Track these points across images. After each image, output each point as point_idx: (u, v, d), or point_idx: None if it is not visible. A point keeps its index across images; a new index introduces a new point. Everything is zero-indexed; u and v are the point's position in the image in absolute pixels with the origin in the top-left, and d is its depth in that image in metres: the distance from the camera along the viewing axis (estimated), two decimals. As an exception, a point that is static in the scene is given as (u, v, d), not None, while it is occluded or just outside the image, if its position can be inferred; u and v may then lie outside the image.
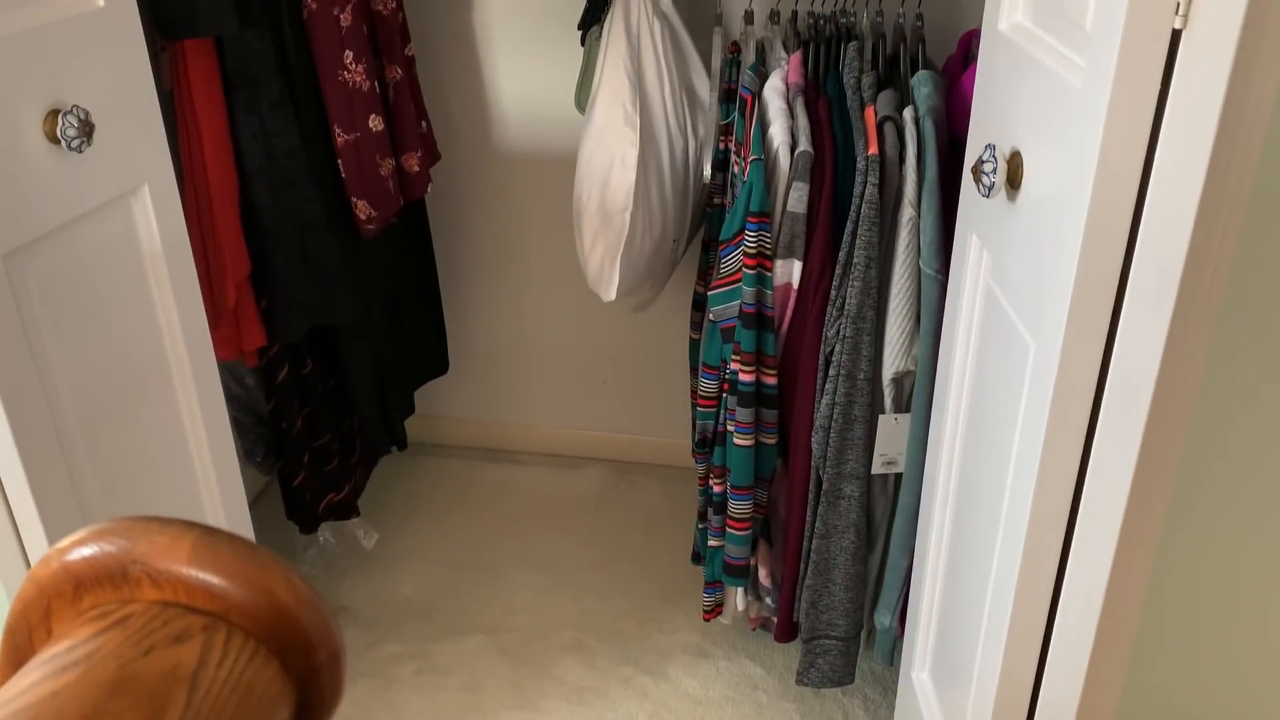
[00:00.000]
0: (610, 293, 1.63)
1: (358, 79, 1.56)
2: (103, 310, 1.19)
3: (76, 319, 1.15)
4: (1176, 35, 0.76)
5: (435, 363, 2.13)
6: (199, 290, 1.34)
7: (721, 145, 1.69)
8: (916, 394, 1.40)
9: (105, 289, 1.19)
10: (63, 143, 1.09)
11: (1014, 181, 0.98)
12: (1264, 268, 1.00)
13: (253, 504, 1.81)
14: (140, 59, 1.21)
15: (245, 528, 1.48)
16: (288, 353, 1.71)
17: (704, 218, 1.78)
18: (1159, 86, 0.78)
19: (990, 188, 0.99)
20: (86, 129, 1.11)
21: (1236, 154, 0.83)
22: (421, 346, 2.07)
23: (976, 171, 1.01)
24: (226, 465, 1.42)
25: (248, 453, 1.90)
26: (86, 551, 0.35)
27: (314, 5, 1.49)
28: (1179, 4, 0.75)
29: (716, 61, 1.65)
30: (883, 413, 1.43)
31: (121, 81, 1.18)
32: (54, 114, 1.08)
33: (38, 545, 1.11)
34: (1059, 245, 0.90)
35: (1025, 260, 0.99)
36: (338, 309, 1.66)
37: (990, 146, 1.01)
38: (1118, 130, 0.81)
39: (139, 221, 1.25)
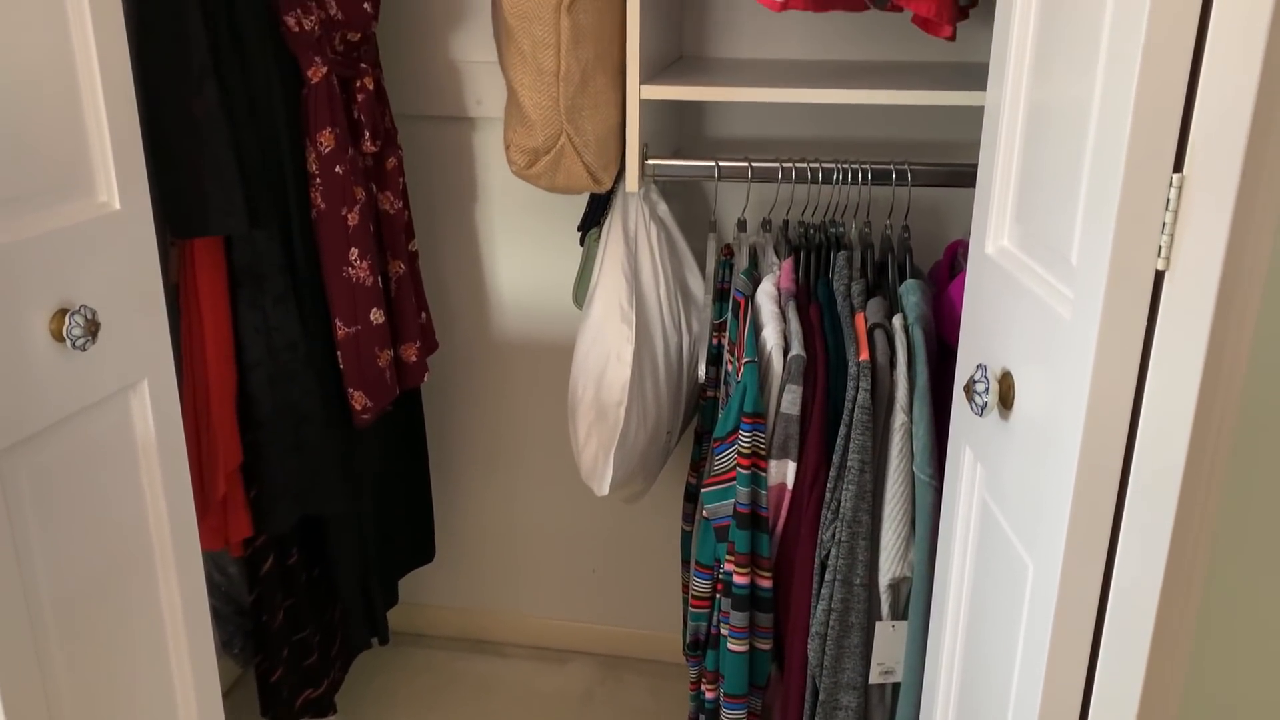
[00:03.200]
0: (604, 487, 1.63)
1: (361, 275, 1.60)
2: (91, 503, 1.18)
3: (64, 512, 1.14)
4: (1160, 275, 0.79)
5: (421, 551, 2.09)
6: (190, 483, 1.33)
7: (715, 341, 1.73)
8: (914, 601, 1.38)
9: (96, 482, 1.19)
10: (67, 341, 1.10)
11: (1006, 401, 0.99)
12: (1257, 483, 1.01)
13: (226, 695, 1.74)
14: (151, 259, 1.24)
15: (218, 724, 1.42)
16: (273, 543, 1.68)
17: (697, 409, 1.80)
18: (1145, 322, 0.81)
19: (983, 407, 1.01)
20: (92, 328, 1.13)
21: (1223, 382, 0.85)
22: (408, 534, 2.04)
23: (969, 390, 1.03)
24: (203, 658, 1.38)
25: (225, 643, 1.84)
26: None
27: (323, 205, 1.55)
28: (1160, 247, 0.79)
29: (711, 264, 1.70)
30: (880, 619, 1.40)
31: (131, 281, 1.21)
32: (62, 313, 1.10)
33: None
34: (1054, 466, 0.91)
35: (1020, 478, 0.99)
36: (328, 500, 1.65)
37: (981, 367, 1.03)
38: (1108, 361, 0.83)
39: (135, 415, 1.25)
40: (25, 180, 1.06)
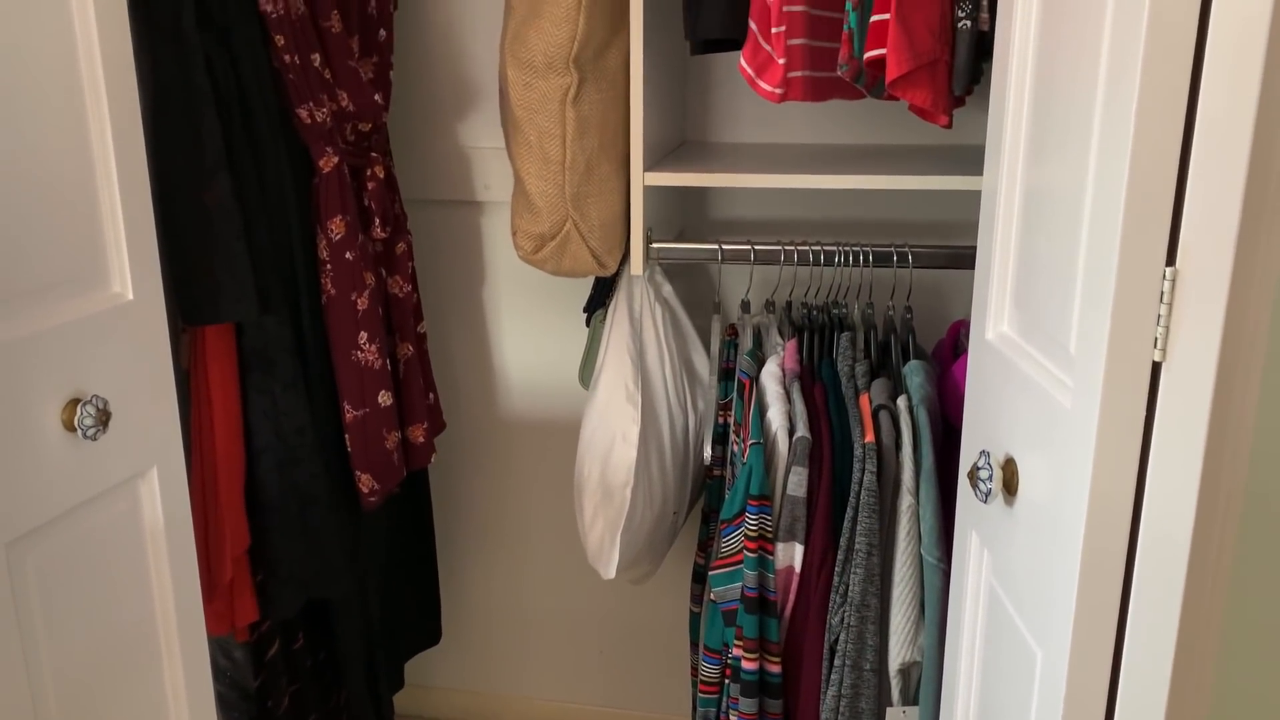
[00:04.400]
0: (610, 570, 1.62)
1: (370, 358, 1.62)
2: (98, 590, 1.18)
3: (70, 599, 1.14)
4: (1157, 366, 0.80)
5: (427, 633, 2.08)
6: (197, 569, 1.33)
7: (720, 420, 1.73)
8: (924, 686, 1.36)
9: (103, 569, 1.19)
10: (79, 431, 1.12)
11: (1010, 488, 1.00)
12: (1265, 568, 1.00)
13: (228, 788, 1.71)
14: (162, 348, 1.26)
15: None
16: (279, 628, 1.67)
17: (704, 488, 1.79)
18: (1145, 412, 0.81)
19: (987, 494, 1.01)
20: (104, 418, 1.14)
21: (1225, 469, 0.85)
22: (414, 617, 2.03)
23: (973, 477, 1.03)
24: (207, 748, 1.37)
25: (228, 730, 1.82)
26: None
27: (333, 291, 1.57)
28: (1156, 339, 0.79)
29: (715, 344, 1.72)
30: (890, 705, 1.39)
31: (142, 370, 1.22)
32: (74, 403, 1.12)
33: None
34: (1060, 554, 0.91)
35: (1027, 565, 0.99)
36: (334, 584, 1.64)
37: (985, 453, 1.03)
38: (1109, 450, 0.83)
39: (144, 502, 1.26)
40: (43, 273, 1.09)
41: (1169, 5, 0.76)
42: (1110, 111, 0.83)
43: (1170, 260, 0.79)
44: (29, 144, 1.06)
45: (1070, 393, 0.88)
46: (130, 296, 1.21)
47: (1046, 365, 0.95)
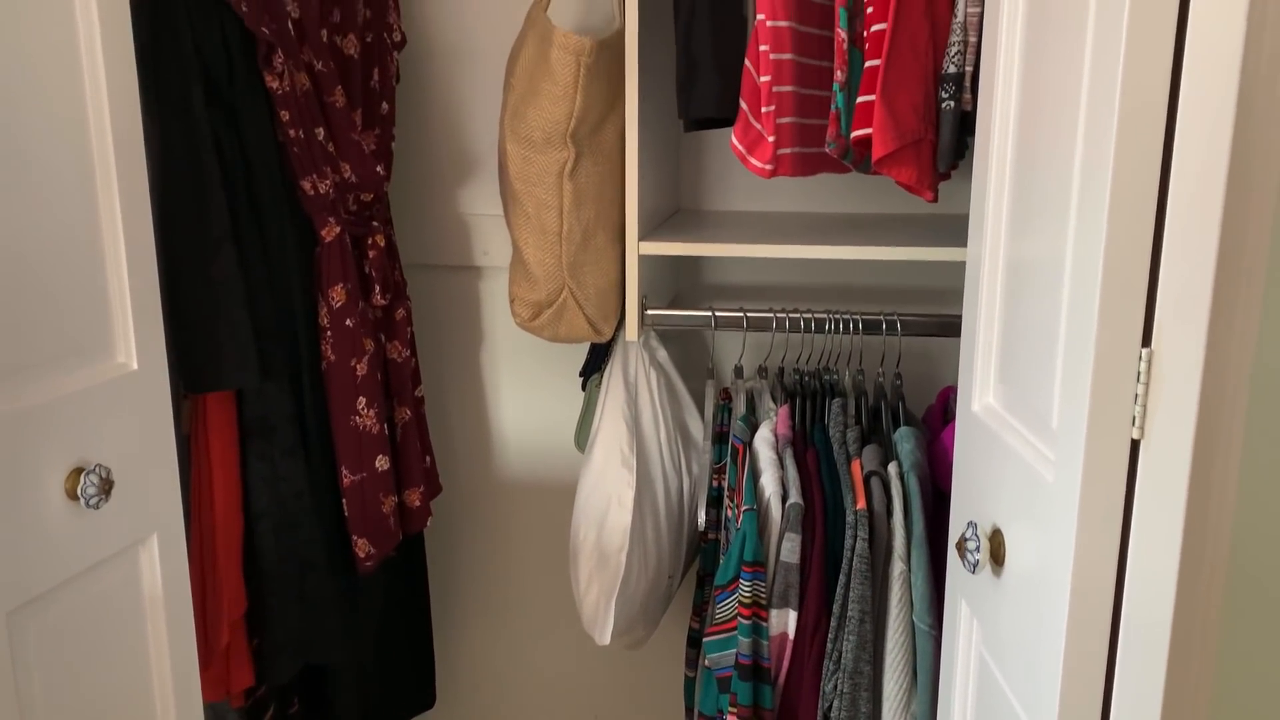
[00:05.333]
0: (605, 636, 1.62)
1: (368, 423, 1.64)
2: (96, 657, 1.19)
3: (69, 667, 1.15)
4: (1136, 444, 0.83)
5: (422, 697, 2.07)
6: (194, 636, 1.34)
7: (715, 483, 1.75)
8: (917, 754, 1.36)
9: (102, 637, 1.20)
10: (81, 500, 1.13)
11: (997, 559, 1.01)
12: (1251, 642, 1.01)
13: None
14: (165, 417, 1.28)
15: None
16: (274, 693, 1.67)
17: (698, 551, 1.80)
18: (1125, 488, 0.84)
19: (975, 564, 1.02)
20: (106, 487, 1.16)
21: (1209, 544, 0.87)
22: (409, 680, 2.02)
23: (961, 548, 1.05)
24: (200, 819, 1.36)
25: (221, 797, 1.81)
26: None
27: (333, 357, 1.59)
28: (1134, 417, 0.82)
29: (709, 409, 1.74)
30: (884, 773, 1.39)
31: (145, 439, 1.24)
32: (77, 472, 1.13)
33: None
34: (1045, 625, 0.92)
35: (1015, 636, 1.00)
36: (331, 650, 1.64)
37: (972, 524, 1.05)
38: (1090, 525, 0.85)
39: (144, 569, 1.27)
40: (50, 344, 1.11)
41: (1140, 93, 0.79)
42: (1086, 197, 0.86)
43: (1146, 341, 0.81)
44: (39, 216, 1.08)
45: (1053, 467, 0.90)
46: (135, 367, 1.23)
47: (1030, 439, 0.98)
